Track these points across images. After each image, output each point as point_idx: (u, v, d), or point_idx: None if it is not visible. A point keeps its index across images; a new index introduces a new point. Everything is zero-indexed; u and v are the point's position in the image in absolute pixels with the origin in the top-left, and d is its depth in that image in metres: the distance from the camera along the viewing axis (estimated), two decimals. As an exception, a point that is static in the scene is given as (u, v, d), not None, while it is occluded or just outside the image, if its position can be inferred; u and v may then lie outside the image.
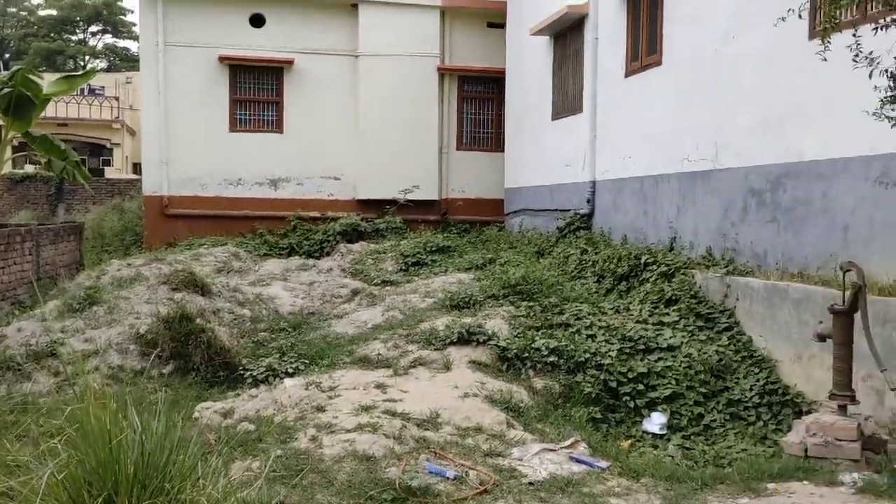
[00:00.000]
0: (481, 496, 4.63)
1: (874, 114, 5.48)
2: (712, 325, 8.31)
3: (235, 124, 16.85)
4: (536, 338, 7.71)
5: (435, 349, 7.57)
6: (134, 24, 56.46)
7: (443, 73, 17.45)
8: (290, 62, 16.74)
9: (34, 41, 53.25)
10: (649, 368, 7.46)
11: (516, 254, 12.75)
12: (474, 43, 17.66)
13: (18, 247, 10.65)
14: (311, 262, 13.91)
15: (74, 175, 13.01)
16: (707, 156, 9.56)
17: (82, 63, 54.21)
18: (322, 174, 17.17)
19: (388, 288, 11.22)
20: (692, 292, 8.81)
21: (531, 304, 8.86)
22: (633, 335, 7.91)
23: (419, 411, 5.92)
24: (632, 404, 7.18)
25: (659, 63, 10.70)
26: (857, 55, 5.58)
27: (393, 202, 16.87)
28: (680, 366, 7.53)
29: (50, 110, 24.35)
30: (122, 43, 59.93)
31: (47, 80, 13.81)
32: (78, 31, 58.18)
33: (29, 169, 26.74)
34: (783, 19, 5.96)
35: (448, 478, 4.78)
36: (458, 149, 17.93)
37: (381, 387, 6.52)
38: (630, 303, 9.05)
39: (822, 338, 5.75)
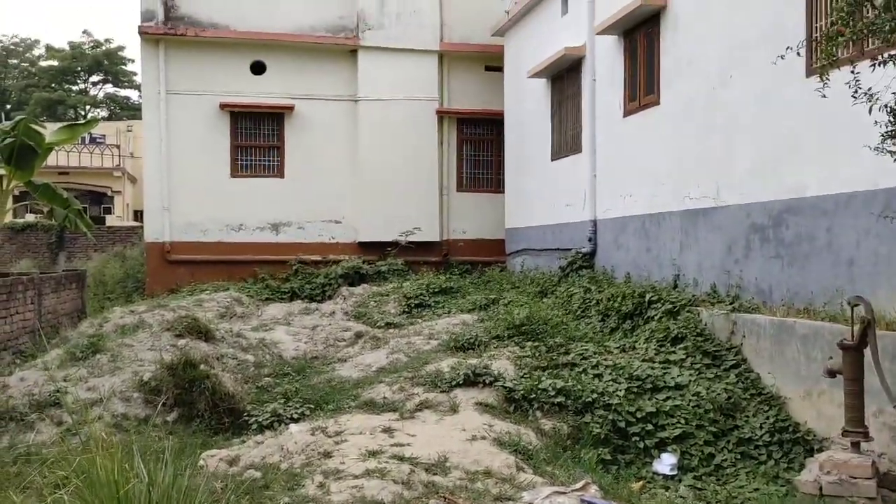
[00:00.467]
0: (493, 542, 4.55)
1: (875, 149, 5.51)
2: (720, 363, 8.26)
3: (237, 170, 16.96)
4: (543, 378, 7.65)
5: (441, 391, 7.51)
6: (135, 74, 57.15)
7: (442, 115, 17.62)
8: (291, 108, 16.91)
9: (35, 91, 53.85)
10: (658, 408, 7.38)
11: (519, 294, 12.72)
12: (472, 86, 17.87)
13: (21, 296, 10.63)
14: (313, 305, 13.88)
15: (76, 223, 13.07)
16: (708, 193, 9.60)
17: (83, 112, 54.73)
18: (323, 218, 17.23)
19: (391, 330, 11.17)
20: (698, 330, 8.76)
21: (536, 344, 8.82)
22: (640, 374, 7.85)
23: (427, 455, 5.84)
24: (641, 445, 7.09)
25: (657, 103, 10.81)
26: (856, 91, 5.63)
27: (394, 244, 16.90)
28: (688, 405, 7.46)
29: (51, 159, 24.50)
30: (122, 92, 60.63)
31: (49, 130, 13.95)
32: (79, 81, 58.87)
33: (30, 218, 26.85)
34: (782, 58, 6.03)
35: (459, 523, 4.70)
36: (458, 190, 18.03)
37: (387, 431, 6.45)
38: (636, 341, 9.00)
39: (832, 374, 5.71)
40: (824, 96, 5.78)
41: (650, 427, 7.22)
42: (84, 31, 73.70)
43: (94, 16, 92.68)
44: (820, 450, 6.56)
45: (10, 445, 6.88)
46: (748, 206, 8.83)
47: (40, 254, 24.31)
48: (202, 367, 7.91)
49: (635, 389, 7.66)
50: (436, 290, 13.45)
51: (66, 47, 57.19)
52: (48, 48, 58.37)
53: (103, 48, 57.28)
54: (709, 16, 9.65)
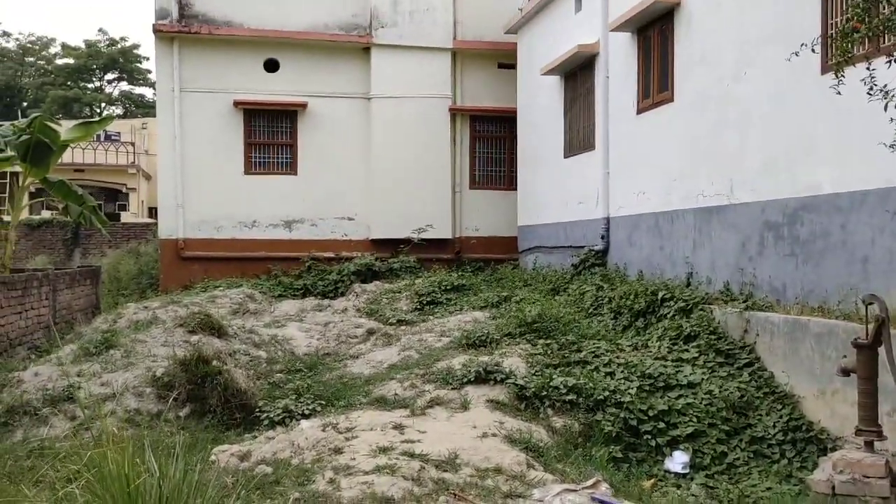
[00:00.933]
0: (503, 539, 4.55)
1: (890, 146, 5.46)
2: (733, 361, 8.22)
3: (250, 167, 17.01)
4: (554, 376, 7.63)
5: (452, 388, 7.50)
6: (149, 71, 57.51)
7: (454, 113, 17.60)
8: (304, 105, 16.94)
9: (51, 89, 54.26)
10: (670, 406, 7.35)
11: (531, 291, 12.69)
12: (485, 83, 17.84)
13: (35, 292, 10.71)
14: (325, 302, 13.90)
15: (91, 220, 13.14)
16: (722, 191, 9.55)
17: (98, 110, 55.12)
18: (336, 215, 17.26)
19: (403, 327, 11.18)
20: (711, 328, 8.72)
21: (548, 341, 8.79)
22: (652, 372, 7.82)
23: (437, 452, 5.84)
24: (653, 443, 7.07)
25: (671, 100, 10.75)
26: (871, 88, 5.59)
27: (407, 241, 16.90)
28: (701, 403, 7.42)
29: (66, 156, 24.64)
30: (137, 90, 61.02)
31: (64, 127, 14.04)
32: (94, 78, 59.28)
33: (45, 214, 27.04)
34: (796, 54, 5.98)
35: (469, 520, 4.70)
36: (471, 188, 18.01)
37: (398, 427, 6.45)
38: (648, 339, 8.97)
39: (846, 372, 5.66)
40: (839, 93, 5.74)
41: (662, 425, 7.19)
42: (99, 30, 74.41)
43: (110, 14, 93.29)
44: (833, 449, 6.51)
45: (23, 439, 6.93)
46: (762, 204, 8.77)
47: (56, 250, 24.50)
48: (214, 362, 7.94)
49: (647, 387, 7.63)
50: (448, 287, 13.44)
51: (82, 45, 57.60)
52: (64, 46, 58.79)
53: (118, 46, 57.66)
54: (722, 12, 9.59)
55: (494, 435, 6.38)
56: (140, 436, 5.52)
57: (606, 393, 7.40)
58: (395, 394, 7.55)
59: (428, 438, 6.19)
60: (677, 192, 10.60)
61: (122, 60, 57.95)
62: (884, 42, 6.16)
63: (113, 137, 37.19)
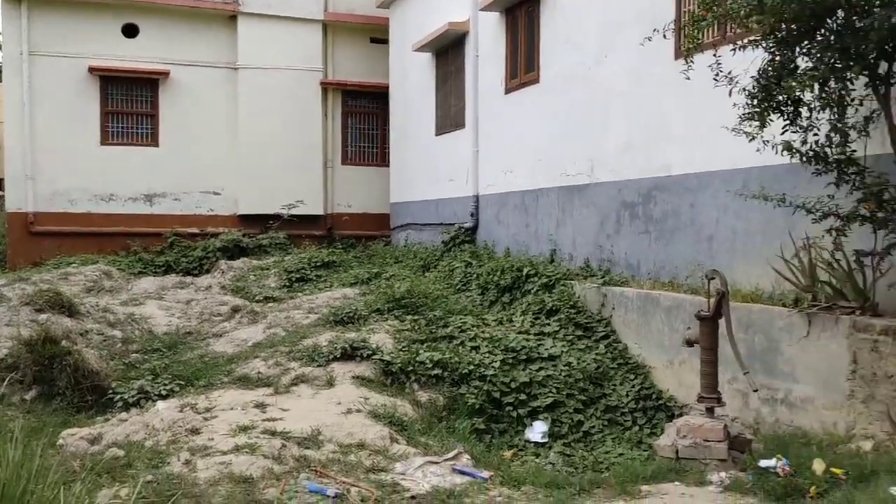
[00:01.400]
0: (363, 513, 4.56)
1: (733, 130, 5.80)
2: (590, 334, 8.56)
3: (107, 137, 16.09)
4: (421, 351, 7.70)
5: (318, 366, 7.43)
6: (-3, 32, 53.22)
7: (326, 87, 17.31)
8: (166, 74, 16.17)
9: None
10: (531, 378, 7.58)
11: (402, 268, 12.74)
12: (358, 58, 17.62)
13: None
14: (189, 279, 13.42)
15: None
16: (584, 170, 9.87)
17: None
18: (201, 189, 16.64)
19: (270, 305, 10.96)
20: (571, 302, 9.04)
21: (416, 317, 8.86)
22: (515, 346, 8.03)
23: (300, 430, 5.78)
24: (514, 414, 7.27)
25: (537, 80, 10.99)
26: (717, 74, 5.91)
27: (276, 217, 16.53)
28: (560, 374, 7.70)
29: None
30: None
31: None
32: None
33: None
34: (649, 39, 6.24)
35: (329, 496, 4.68)
36: (343, 163, 17.80)
37: (260, 406, 6.33)
38: (513, 314, 9.20)
39: (690, 343, 6.00)
40: (688, 78, 6.04)
41: (523, 397, 7.41)
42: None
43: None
44: (680, 415, 6.91)
45: None
46: (620, 184, 9.14)
47: None
48: (63, 342, 7.50)
49: (511, 361, 7.84)
50: (318, 264, 13.28)
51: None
52: None
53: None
54: (587, -4, 9.86)
55: (359, 411, 6.38)
56: (-24, 421, 5.16)
57: (471, 367, 7.54)
58: (259, 372, 7.41)
59: (291, 416, 6.12)
60: (542, 171, 10.88)
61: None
62: (729, 31, 6.51)
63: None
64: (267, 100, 16.70)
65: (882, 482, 4.37)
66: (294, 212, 16.61)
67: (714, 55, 5.93)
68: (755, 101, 5.61)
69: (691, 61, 5.96)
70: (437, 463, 5.50)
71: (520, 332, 8.48)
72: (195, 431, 5.73)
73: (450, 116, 13.92)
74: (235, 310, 10.65)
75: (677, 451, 5.58)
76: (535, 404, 7.38)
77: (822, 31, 5.35)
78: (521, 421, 7.27)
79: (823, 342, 5.75)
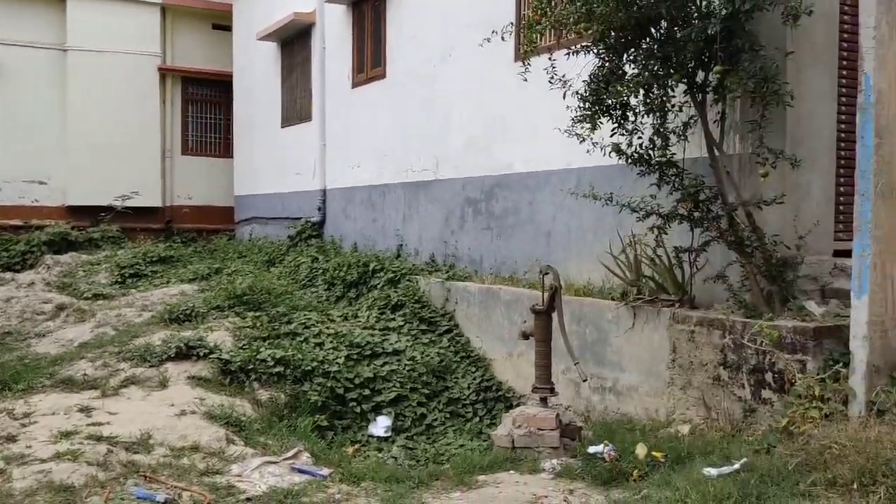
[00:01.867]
0: (195, 518, 4.40)
1: (566, 131, 6.04)
2: (435, 329, 8.69)
3: (-86, 119, 14.65)
4: (262, 349, 7.52)
5: (150, 366, 7.09)
6: None
7: (164, 73, 16.54)
8: (-16, 53, 14.91)
9: None
10: (375, 373, 7.59)
11: (245, 263, 12.42)
12: (199, 44, 16.96)
13: None
14: (9, 275, 12.40)
15: None
16: (429, 167, 9.99)
17: None
18: (25, 178, 15.48)
19: (100, 302, 10.34)
20: (416, 297, 9.13)
21: (258, 314, 8.65)
22: (360, 341, 8.01)
23: (129, 434, 5.49)
24: (358, 410, 7.26)
25: (384, 76, 11.00)
26: (552, 77, 6.13)
27: (109, 209, 15.59)
28: (404, 369, 7.76)
29: None
30: None
31: None
32: None
33: None
34: (488, 41, 6.38)
35: (158, 501, 4.48)
36: (183, 153, 17.10)
37: (85, 410, 5.96)
38: (358, 309, 9.18)
39: (525, 336, 6.21)
40: (525, 80, 6.24)
41: (367, 392, 7.41)
42: None
43: None
44: (518, 405, 7.14)
45: None
46: (463, 181, 9.32)
47: None
48: None
49: (355, 356, 7.81)
50: (154, 258, 12.67)
51: None
52: None
53: None
54: (432, -6, 9.97)
55: (194, 412, 6.14)
56: None
57: (315, 363, 7.45)
58: (85, 374, 6.97)
59: (119, 420, 5.80)
60: (389, 167, 10.91)
61: None
62: (564, 37, 6.76)
63: None
64: (99, 84, 15.74)
65: (697, 463, 4.70)
66: (129, 203, 15.72)
67: (549, 59, 6.15)
68: (587, 105, 5.87)
69: (528, 64, 6.15)
70: (275, 463, 5.40)
71: (365, 328, 8.47)
72: (11, 439, 5.32)
73: (296, 109, 13.68)
74: (61, 308, 9.97)
75: (513, 441, 5.76)
76: (379, 399, 7.40)
77: (647, 40, 5.68)
78: (365, 416, 7.27)
79: (647, 333, 6.12)
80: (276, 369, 7.27)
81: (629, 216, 6.05)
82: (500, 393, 7.72)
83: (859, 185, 4.61)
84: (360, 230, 11.74)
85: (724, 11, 5.19)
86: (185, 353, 7.25)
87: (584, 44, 5.98)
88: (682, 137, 5.82)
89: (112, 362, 7.20)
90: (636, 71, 5.68)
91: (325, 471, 5.30)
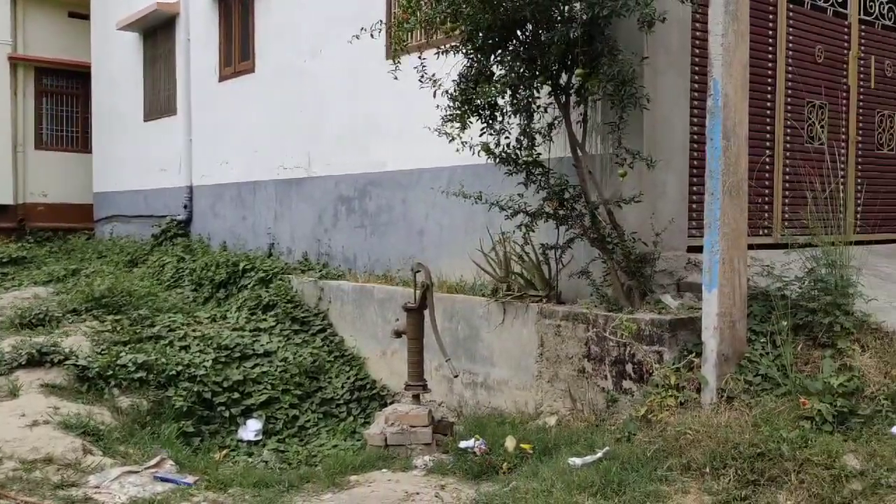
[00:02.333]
0: (46, 535, 4.15)
1: (436, 130, 6.09)
2: (307, 328, 8.56)
3: None
4: (123, 353, 7.17)
5: (-1, 375, 6.63)
6: None
7: (15, 63, 15.50)
8: None
9: None
10: (245, 376, 7.40)
11: (105, 264, 11.83)
12: (54, 33, 16.00)
13: None
14: None
15: None
16: (301, 164, 9.83)
17: None
18: None
19: (-58, 308, 9.57)
20: (289, 297, 8.97)
21: (118, 317, 8.25)
22: (229, 343, 7.79)
23: (-28, 448, 5.12)
24: (227, 414, 7.06)
25: (252, 70, 10.73)
26: (422, 76, 6.16)
27: (-47, 207, 14.50)
28: (276, 370, 7.60)
29: None
30: None
31: None
32: None
33: None
34: (357, 37, 6.34)
35: (5, 521, 4.20)
36: (37, 148, 16.10)
37: (-81, 426, 5.51)
38: (227, 310, 8.92)
39: (398, 334, 6.22)
40: (396, 78, 6.23)
41: (237, 395, 7.22)
42: None
43: None
44: (391, 403, 7.14)
45: None
46: (336, 178, 9.23)
47: None
48: None
49: (223, 359, 7.59)
50: (4, 260, 11.89)
51: None
52: None
53: None
54: (302, -12, 9.81)
55: (47, 422, 5.78)
56: None
57: (180, 367, 7.18)
58: (-80, 386, 6.43)
59: (-38, 434, 5.39)
60: (260, 163, 10.66)
61: None
62: (433, 36, 6.82)
63: None
64: (-60, 72, 14.58)
65: (563, 454, 4.85)
66: (-25, 201, 14.67)
67: (419, 58, 6.17)
68: (456, 104, 5.93)
69: (398, 62, 6.15)
70: (136, 472, 5.17)
71: (234, 329, 8.25)
72: None
73: (160, 102, 13.14)
74: None
75: (386, 439, 5.76)
76: (250, 402, 7.22)
77: (513, 41, 5.80)
78: (235, 420, 7.09)
79: (516, 328, 6.26)
80: (138, 375, 6.95)
81: (499, 214, 6.16)
82: (374, 391, 7.69)
83: (709, 185, 4.88)
84: (229, 228, 11.41)
85: (584, 16, 5.37)
86: (37, 360, 6.81)
87: (452, 44, 6.05)
88: (548, 138, 5.98)
89: (-47, 373, 6.67)
90: (503, 72, 5.79)
91: (191, 478, 5.12)
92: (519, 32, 5.76)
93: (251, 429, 6.99)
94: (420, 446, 5.73)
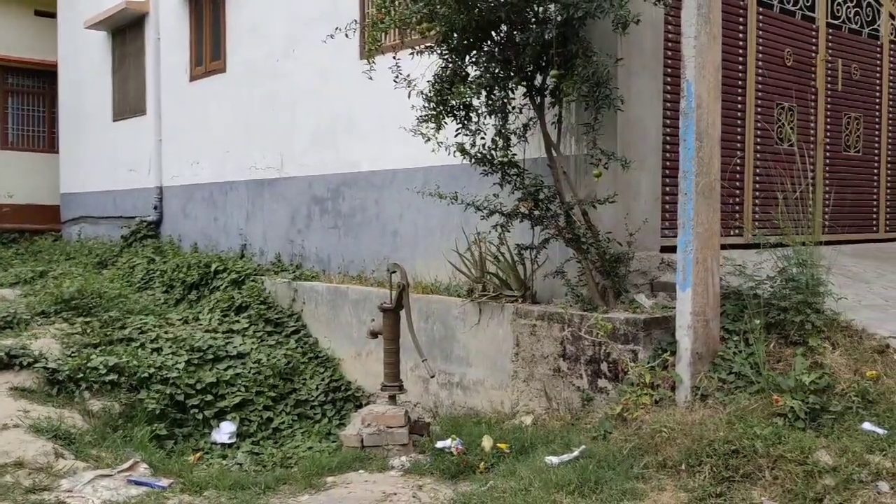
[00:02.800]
0: (18, 541, 4.08)
1: (411, 131, 6.09)
2: (281, 330, 8.51)
3: None
4: (94, 356, 7.07)
5: (-35, 379, 6.50)
6: None
7: (-20, 61, 15.23)
8: None
9: None
10: (218, 378, 7.34)
11: (74, 265, 11.66)
12: (19, 31, 15.72)
13: None
14: None
15: None
16: (273, 164, 9.77)
17: None
18: None
19: None
20: (262, 298, 8.91)
21: (88, 319, 8.14)
22: (201, 345, 7.72)
23: (-60, 454, 5.02)
24: (200, 416, 6.99)
25: (223, 70, 10.64)
26: (397, 77, 6.16)
27: (-85, 209, 14.20)
28: (249, 372, 7.54)
29: None
30: None
31: None
32: None
33: None
34: (332, 37, 6.32)
35: (-25, 527, 4.12)
36: (2, 148, 15.79)
37: None
38: (199, 312, 8.84)
39: (374, 334, 6.20)
40: (371, 78, 6.22)
41: (210, 398, 7.14)
42: None
43: None
44: (367, 405, 7.13)
45: None
46: (309, 179, 9.19)
47: None
48: None
49: (196, 361, 7.52)
50: (-31, 262, 11.65)
51: None
52: None
53: None
54: (275, -12, 9.75)
55: (17, 426, 5.68)
56: None
57: (152, 370, 7.09)
58: None
59: (-72, 439, 5.29)
60: (231, 164, 10.58)
61: None
62: (408, 36, 6.81)
63: None
64: None
65: (539, 452, 4.87)
66: (-62, 202, 14.39)
67: (394, 58, 6.16)
68: (431, 105, 5.94)
69: (373, 62, 6.14)
70: (109, 476, 5.10)
71: (207, 331, 8.18)
72: None
73: (129, 102, 12.97)
74: None
75: (362, 440, 5.74)
76: (223, 404, 7.16)
77: (489, 42, 5.82)
78: (208, 423, 7.02)
79: (492, 328, 6.28)
80: (110, 377, 6.85)
81: (474, 215, 6.18)
82: (349, 393, 7.67)
83: (682, 185, 4.94)
84: (200, 229, 11.30)
85: (559, 17, 5.41)
86: (6, 364, 6.69)
87: (427, 44, 6.05)
88: (523, 138, 6.01)
89: (-85, 377, 6.53)
90: (478, 73, 5.81)
91: (165, 482, 5.06)
92: (494, 33, 5.78)
93: (225, 431, 6.93)
94: (397, 447, 5.72)
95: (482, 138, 6.02)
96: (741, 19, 7.20)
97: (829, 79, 8.15)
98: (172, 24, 11.68)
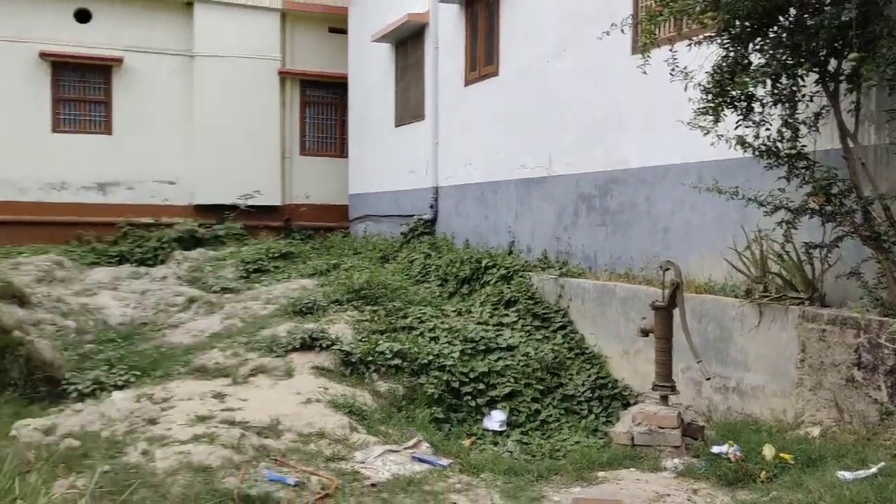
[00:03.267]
0: (323, 501, 4.58)
1: (688, 124, 5.91)
2: (548, 325, 8.66)
3: (59, 125, 15.77)
4: (380, 341, 7.72)
5: (276, 356, 7.40)
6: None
7: (284, 76, 17.17)
8: (120, 60, 15.88)
9: None
10: (490, 368, 7.65)
11: (361, 259, 12.74)
12: (316, 47, 17.50)
13: None
14: (143, 270, 13.21)
15: None
16: (541, 163, 9.97)
17: None
18: (156, 178, 16.39)
19: (227, 295, 10.86)
20: (529, 293, 9.14)
21: (375, 308, 8.88)
22: (474, 336, 8.09)
23: (259, 419, 5.77)
24: (473, 403, 7.34)
25: (496, 73, 11.05)
26: (673, 70, 6.01)
27: (233, 208, 16.35)
28: (518, 364, 7.78)
29: None
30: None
31: None
32: None
33: None
34: (607, 34, 6.32)
35: (289, 484, 4.69)
36: (301, 154, 17.69)
37: (218, 396, 6.30)
38: (472, 305, 9.26)
39: (645, 333, 6.11)
40: (645, 73, 6.14)
41: (482, 386, 7.47)
42: None
43: None
44: (635, 404, 7.04)
45: None
46: (577, 177, 9.25)
47: None
48: (16, 333, 7.35)
49: (469, 351, 7.90)
50: (275, 254, 13.20)
51: None
52: None
53: None
54: (546, -10, 9.93)
55: (318, 401, 6.38)
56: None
57: (430, 357, 7.58)
58: (217, 363, 7.35)
59: (250, 406, 6.10)
60: (501, 164, 10.95)
61: None
62: (685, 27, 6.63)
63: None
64: (224, 88, 16.50)
65: (830, 466, 4.53)
66: (251, 202, 16.49)
67: (670, 50, 6.03)
68: (710, 97, 5.73)
69: (648, 56, 6.05)
70: (396, 451, 5.54)
71: (478, 323, 8.54)
72: (152, 422, 5.68)
73: (409, 108, 13.92)
74: (192, 300, 10.53)
75: (632, 439, 5.69)
76: (494, 394, 7.45)
77: (775, 28, 5.49)
78: (480, 410, 7.34)
79: (774, 332, 5.91)
80: (394, 362, 7.45)
81: (752, 211, 5.87)
82: (615, 391, 7.62)
83: None
84: (472, 227, 11.84)
85: (860, -4, 4.95)
86: (308, 345, 7.53)
87: (706, 34, 5.84)
88: (813, 128, 5.59)
89: (241, 352, 7.55)
90: (763, 61, 5.49)
91: (445, 461, 5.40)
92: (781, 18, 5.44)
93: (496, 419, 7.21)
94: (668, 448, 5.59)
95: (767, 130, 5.69)
96: None
97: None
98: (449, 32, 12.35)
